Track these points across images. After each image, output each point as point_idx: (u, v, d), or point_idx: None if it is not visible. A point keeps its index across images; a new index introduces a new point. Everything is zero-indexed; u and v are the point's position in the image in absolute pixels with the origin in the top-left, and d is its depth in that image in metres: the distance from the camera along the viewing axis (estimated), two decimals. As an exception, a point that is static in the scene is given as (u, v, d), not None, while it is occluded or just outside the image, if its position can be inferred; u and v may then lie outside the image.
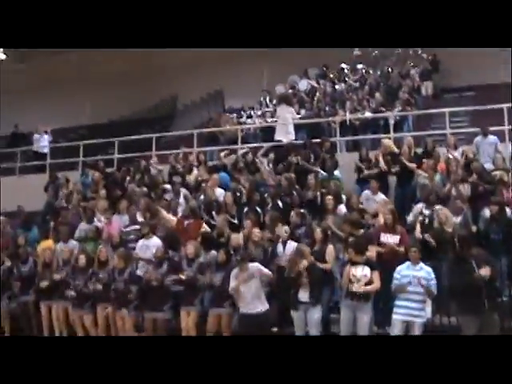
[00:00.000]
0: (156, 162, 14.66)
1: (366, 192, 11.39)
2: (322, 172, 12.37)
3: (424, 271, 8.23)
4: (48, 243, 11.58)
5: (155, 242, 10.36)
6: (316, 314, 8.44)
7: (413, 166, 11.97)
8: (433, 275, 8.20)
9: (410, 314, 8.12)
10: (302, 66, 21.45)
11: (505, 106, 13.12)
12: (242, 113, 18.29)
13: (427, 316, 8.33)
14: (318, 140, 13.84)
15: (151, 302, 9.48)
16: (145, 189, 12.93)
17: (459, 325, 7.87)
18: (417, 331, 8.06)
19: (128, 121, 23.18)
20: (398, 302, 8.25)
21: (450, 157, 11.79)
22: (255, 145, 14.92)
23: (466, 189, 10.64)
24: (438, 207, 9.70)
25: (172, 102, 24.46)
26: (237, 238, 9.95)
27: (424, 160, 11.94)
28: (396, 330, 8.13)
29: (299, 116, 15.52)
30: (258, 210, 11.08)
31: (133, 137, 17.25)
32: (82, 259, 10.18)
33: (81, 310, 10.05)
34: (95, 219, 11.86)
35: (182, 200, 12.15)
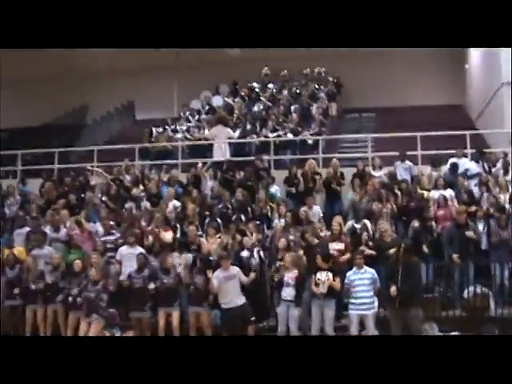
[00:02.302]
0: (99, 172, 16.08)
1: (304, 208, 13.43)
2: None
3: (368, 273, 10.63)
4: (19, 249, 12.83)
5: (140, 250, 12.00)
6: (296, 311, 10.60)
7: (339, 187, 14.39)
8: (376, 275, 10.60)
9: (362, 308, 10.47)
10: (211, 82, 23.41)
11: (418, 134, 15.81)
12: (166, 127, 19.93)
13: (375, 309, 10.65)
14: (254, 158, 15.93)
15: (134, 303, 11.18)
16: (104, 198, 14.42)
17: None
18: (370, 321, 10.42)
19: (36, 128, 24.01)
20: (351, 300, 10.61)
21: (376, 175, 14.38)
22: (203, 160, 16.66)
23: (392, 206, 13.11)
24: (380, 222, 12.09)
25: (82, 111, 25.58)
26: (208, 245, 11.94)
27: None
28: (354, 322, 10.46)
29: (236, 135, 17.50)
30: (218, 220, 13.01)
31: (73, 148, 18.75)
32: (78, 265, 11.60)
33: (79, 311, 11.32)
34: (61, 227, 13.25)
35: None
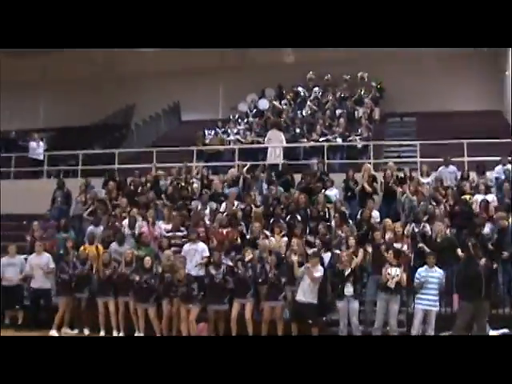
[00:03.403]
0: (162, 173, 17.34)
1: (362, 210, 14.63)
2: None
3: (437, 272, 11.83)
4: (92, 247, 14.10)
5: (202, 246, 13.30)
6: (356, 304, 11.81)
7: (400, 189, 15.41)
8: (443, 275, 11.79)
9: (428, 304, 11.65)
10: (255, 84, 24.58)
11: (465, 141, 16.93)
12: (217, 129, 21.18)
13: (438, 307, 11.83)
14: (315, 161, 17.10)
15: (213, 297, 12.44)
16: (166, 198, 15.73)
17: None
18: (433, 318, 11.58)
19: (83, 128, 25.31)
20: (418, 295, 11.79)
21: (424, 182, 15.51)
22: (255, 162, 17.98)
23: (445, 209, 14.26)
24: (436, 223, 13.23)
25: (129, 112, 26.89)
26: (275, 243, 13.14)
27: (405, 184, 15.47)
28: (419, 316, 11.62)
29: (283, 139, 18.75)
30: (281, 221, 14.21)
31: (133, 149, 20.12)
32: (148, 261, 12.89)
33: (146, 303, 12.76)
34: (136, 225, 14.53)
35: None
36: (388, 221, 13.56)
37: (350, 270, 11.87)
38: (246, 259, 12.67)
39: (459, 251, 12.33)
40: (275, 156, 18.00)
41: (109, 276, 13.16)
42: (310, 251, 12.66)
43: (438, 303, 11.77)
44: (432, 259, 11.90)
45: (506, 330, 11.84)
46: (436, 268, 11.87)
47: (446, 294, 12.07)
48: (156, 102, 25.75)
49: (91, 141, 22.76)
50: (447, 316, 11.91)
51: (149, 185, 16.83)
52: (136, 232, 14.40)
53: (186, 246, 13.45)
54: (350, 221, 14.22)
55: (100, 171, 18.85)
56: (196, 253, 13.22)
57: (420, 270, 11.92)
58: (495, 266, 12.01)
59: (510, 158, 16.26)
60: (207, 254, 13.13)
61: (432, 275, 11.75)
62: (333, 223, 14.20)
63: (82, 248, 14.01)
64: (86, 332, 13.26)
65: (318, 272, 11.92)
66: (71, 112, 25.46)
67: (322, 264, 12.43)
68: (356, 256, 12.33)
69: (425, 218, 13.86)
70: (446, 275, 11.93)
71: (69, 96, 26.01)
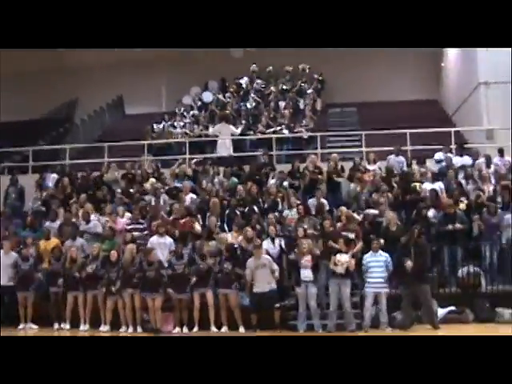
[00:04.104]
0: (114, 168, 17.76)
1: (311, 200, 15.41)
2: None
3: (383, 256, 12.70)
4: (55, 241, 14.48)
5: (170, 240, 13.87)
6: (314, 289, 12.57)
7: (341, 179, 16.32)
8: (389, 258, 12.65)
9: (377, 286, 12.53)
10: (198, 77, 25.15)
11: (408, 131, 17.97)
12: (164, 123, 21.67)
13: (387, 288, 12.69)
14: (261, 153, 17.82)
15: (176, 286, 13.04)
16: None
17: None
18: (383, 298, 12.46)
19: (25, 123, 25.33)
20: (367, 279, 12.67)
21: (371, 170, 16.39)
22: (206, 155, 18.63)
23: (389, 197, 15.17)
24: (387, 212, 14.10)
25: (72, 106, 27.04)
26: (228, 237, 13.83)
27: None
28: (369, 298, 12.48)
29: (238, 132, 19.42)
30: (237, 212, 14.88)
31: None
32: (114, 255, 13.39)
33: (115, 295, 13.22)
34: (91, 219, 15.02)
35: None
36: (343, 208, 14.34)
37: (308, 256, 12.58)
38: (205, 251, 13.26)
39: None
40: (225, 148, 18.62)
41: (78, 271, 13.62)
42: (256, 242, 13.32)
43: (386, 285, 12.64)
44: (376, 244, 12.80)
45: (452, 308, 12.85)
46: (381, 252, 12.74)
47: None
48: (99, 95, 26.02)
49: (35, 136, 22.81)
50: (398, 296, 12.77)
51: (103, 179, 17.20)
52: (91, 227, 14.82)
53: (154, 239, 13.96)
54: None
55: (42, 167, 19.17)
56: (165, 246, 13.77)
57: (365, 255, 12.83)
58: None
59: (451, 147, 17.34)
60: (173, 247, 13.69)
61: (377, 259, 12.64)
62: (285, 212, 14.86)
63: (47, 243, 14.44)
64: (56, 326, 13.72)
65: (265, 260, 12.76)
66: (16, 106, 25.34)
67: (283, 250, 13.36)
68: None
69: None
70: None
71: (15, 90, 25.88)
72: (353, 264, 12.51)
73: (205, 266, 13.08)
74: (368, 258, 12.72)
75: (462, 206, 14.47)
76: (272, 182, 16.51)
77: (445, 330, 12.02)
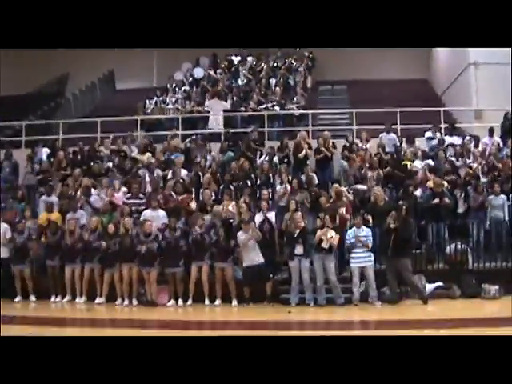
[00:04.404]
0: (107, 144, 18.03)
1: (303, 176, 15.74)
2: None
3: (364, 231, 13.10)
4: (56, 214, 14.81)
5: (163, 213, 14.21)
6: (307, 263, 12.99)
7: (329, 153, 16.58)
8: (370, 234, 13.07)
9: (361, 261, 12.94)
10: (189, 53, 25.18)
11: (398, 110, 18.33)
12: (156, 98, 21.92)
13: (372, 262, 13.08)
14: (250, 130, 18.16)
15: (169, 260, 13.41)
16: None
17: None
18: (370, 272, 12.88)
19: (19, 97, 25.44)
20: (352, 255, 13.09)
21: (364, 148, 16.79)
22: (198, 131, 18.92)
23: (380, 174, 15.56)
24: (376, 188, 14.48)
25: (63, 80, 27.14)
26: (224, 209, 14.16)
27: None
28: (356, 273, 12.90)
29: (228, 106, 19.74)
30: (231, 187, 15.20)
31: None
32: (111, 228, 13.72)
33: (113, 268, 13.59)
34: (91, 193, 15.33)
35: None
36: (336, 185, 14.74)
37: (298, 231, 12.97)
38: (199, 224, 13.61)
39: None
40: (217, 124, 18.93)
41: (75, 243, 13.93)
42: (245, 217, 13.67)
43: (371, 258, 13.02)
44: (358, 220, 13.21)
45: (440, 283, 13.31)
46: (363, 227, 13.15)
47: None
48: (90, 70, 26.12)
49: (26, 110, 22.99)
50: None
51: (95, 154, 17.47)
52: (92, 200, 15.15)
53: (148, 212, 14.32)
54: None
55: (34, 141, 19.39)
56: (158, 219, 14.09)
57: (349, 231, 13.24)
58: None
59: (440, 126, 17.75)
60: (166, 220, 14.01)
61: (360, 234, 13.03)
62: (277, 187, 15.19)
63: (50, 217, 14.73)
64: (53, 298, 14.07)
65: (247, 235, 13.08)
66: (6, 81, 25.33)
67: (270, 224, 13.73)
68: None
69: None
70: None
71: (5, 64, 25.86)
72: (337, 240, 12.87)
73: (198, 236, 13.42)
74: (351, 233, 13.11)
75: (445, 184, 14.87)
76: (262, 158, 16.88)
77: (433, 305, 12.56)
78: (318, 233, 12.89)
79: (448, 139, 17.30)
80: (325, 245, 12.76)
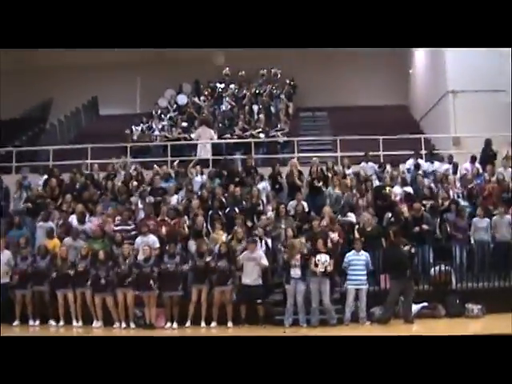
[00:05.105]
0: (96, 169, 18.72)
1: (292, 202, 16.61)
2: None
3: (364, 255, 14.03)
4: (54, 241, 15.34)
5: (153, 238, 14.92)
6: (303, 286, 13.78)
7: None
8: (369, 257, 14.01)
9: (358, 283, 13.83)
10: (172, 80, 26.19)
11: (381, 137, 19.30)
12: (142, 125, 22.71)
13: (367, 285, 13.99)
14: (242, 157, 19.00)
15: (168, 284, 14.11)
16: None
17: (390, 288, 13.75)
18: (364, 294, 13.75)
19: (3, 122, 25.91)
20: (349, 276, 13.95)
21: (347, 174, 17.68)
22: (186, 158, 19.72)
23: (369, 199, 16.46)
24: (364, 214, 15.39)
25: (46, 105, 27.77)
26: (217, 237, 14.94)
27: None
28: (351, 294, 13.75)
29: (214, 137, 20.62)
30: (220, 213, 15.97)
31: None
32: (102, 254, 14.35)
33: (104, 293, 14.21)
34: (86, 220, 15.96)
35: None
36: (326, 208, 15.62)
37: (298, 255, 13.76)
38: (204, 250, 14.37)
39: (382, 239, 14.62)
40: (205, 151, 19.79)
41: (68, 269, 14.48)
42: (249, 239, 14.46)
43: (366, 282, 13.95)
44: (359, 244, 14.12)
45: (425, 304, 14.19)
46: (362, 252, 14.07)
47: (374, 274, 14.31)
48: (73, 96, 26.75)
49: (11, 136, 23.55)
50: (376, 293, 14.18)
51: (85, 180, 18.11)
52: (86, 227, 15.76)
53: (139, 240, 14.97)
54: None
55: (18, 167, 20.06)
56: (148, 245, 14.68)
57: (348, 254, 14.13)
58: (413, 249, 14.22)
59: (421, 153, 18.77)
60: (158, 245, 14.74)
61: (359, 258, 13.95)
62: (269, 214, 15.97)
63: (43, 243, 15.22)
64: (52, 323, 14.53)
65: (256, 254, 13.93)
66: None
67: (269, 249, 14.67)
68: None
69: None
70: (373, 258, 14.18)
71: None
72: (331, 264, 13.70)
73: (202, 264, 14.16)
74: (351, 256, 14.01)
75: (422, 208, 15.72)
76: (261, 185, 17.55)
77: (419, 325, 13.43)
78: (313, 258, 13.66)
79: (429, 166, 18.20)
80: (320, 269, 13.54)
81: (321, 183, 17.41)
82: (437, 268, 14.89)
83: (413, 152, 18.77)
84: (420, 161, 18.42)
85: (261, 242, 14.81)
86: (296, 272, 13.71)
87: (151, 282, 14.03)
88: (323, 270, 13.57)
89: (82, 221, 15.93)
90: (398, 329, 13.17)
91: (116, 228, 15.60)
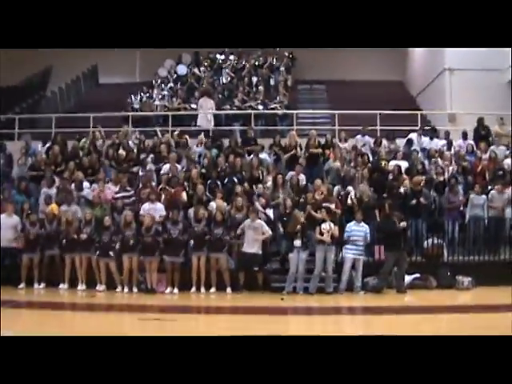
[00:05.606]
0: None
1: (291, 173, 17.16)
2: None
3: (364, 227, 14.61)
4: (54, 207, 15.83)
5: (160, 206, 15.49)
6: (304, 255, 14.41)
7: (318, 151, 18.10)
8: (368, 230, 14.59)
9: (356, 253, 14.45)
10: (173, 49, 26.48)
11: (378, 112, 19.85)
12: (141, 94, 23.14)
13: (364, 255, 14.65)
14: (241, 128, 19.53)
15: (170, 250, 14.72)
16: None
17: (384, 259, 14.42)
18: (361, 264, 14.40)
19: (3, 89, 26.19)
20: (347, 246, 14.55)
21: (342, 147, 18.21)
22: (187, 128, 20.21)
23: (365, 172, 16.96)
24: (361, 185, 15.94)
25: (46, 73, 28.09)
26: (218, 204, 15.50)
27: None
28: (349, 263, 14.38)
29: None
30: (218, 183, 16.54)
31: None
32: (107, 221, 14.96)
33: (107, 258, 14.83)
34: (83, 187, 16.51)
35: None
36: (318, 181, 16.16)
37: (298, 226, 14.35)
38: (200, 217, 14.92)
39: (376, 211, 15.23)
40: (207, 122, 20.27)
41: (75, 233, 15.05)
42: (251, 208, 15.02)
43: (364, 253, 14.60)
44: (359, 215, 14.69)
45: (417, 275, 14.85)
46: (363, 223, 14.66)
47: (369, 245, 14.89)
48: (73, 64, 26.84)
49: (11, 103, 23.92)
50: (370, 264, 14.84)
51: (89, 147, 18.56)
52: (85, 194, 16.33)
53: (146, 206, 15.45)
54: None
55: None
56: (155, 212, 15.27)
57: (349, 224, 14.71)
58: (404, 223, 14.64)
59: (425, 128, 19.34)
60: (164, 212, 15.28)
61: (359, 229, 14.56)
62: (268, 184, 16.47)
63: (49, 208, 15.73)
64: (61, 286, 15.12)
65: (258, 224, 14.48)
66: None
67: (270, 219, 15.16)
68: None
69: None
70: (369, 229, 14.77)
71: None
72: (337, 232, 14.34)
73: (200, 229, 14.74)
74: (352, 226, 14.59)
75: (423, 182, 16.25)
76: (262, 156, 18.06)
77: (411, 295, 14.15)
78: (318, 227, 14.29)
79: (428, 142, 18.73)
80: (326, 237, 14.19)
81: (319, 150, 17.96)
82: (429, 241, 15.56)
83: (417, 128, 19.28)
84: (418, 137, 18.84)
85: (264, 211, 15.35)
86: (298, 242, 14.31)
87: (153, 247, 14.60)
88: (329, 238, 14.20)
89: (80, 188, 16.42)
90: (390, 298, 13.87)
91: (116, 196, 16.13)
